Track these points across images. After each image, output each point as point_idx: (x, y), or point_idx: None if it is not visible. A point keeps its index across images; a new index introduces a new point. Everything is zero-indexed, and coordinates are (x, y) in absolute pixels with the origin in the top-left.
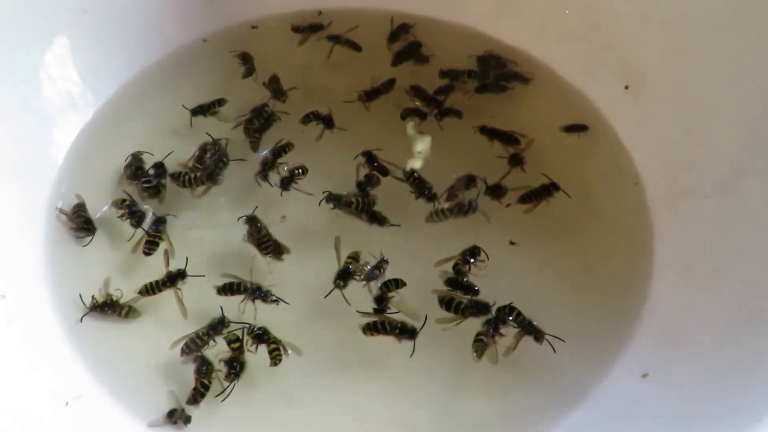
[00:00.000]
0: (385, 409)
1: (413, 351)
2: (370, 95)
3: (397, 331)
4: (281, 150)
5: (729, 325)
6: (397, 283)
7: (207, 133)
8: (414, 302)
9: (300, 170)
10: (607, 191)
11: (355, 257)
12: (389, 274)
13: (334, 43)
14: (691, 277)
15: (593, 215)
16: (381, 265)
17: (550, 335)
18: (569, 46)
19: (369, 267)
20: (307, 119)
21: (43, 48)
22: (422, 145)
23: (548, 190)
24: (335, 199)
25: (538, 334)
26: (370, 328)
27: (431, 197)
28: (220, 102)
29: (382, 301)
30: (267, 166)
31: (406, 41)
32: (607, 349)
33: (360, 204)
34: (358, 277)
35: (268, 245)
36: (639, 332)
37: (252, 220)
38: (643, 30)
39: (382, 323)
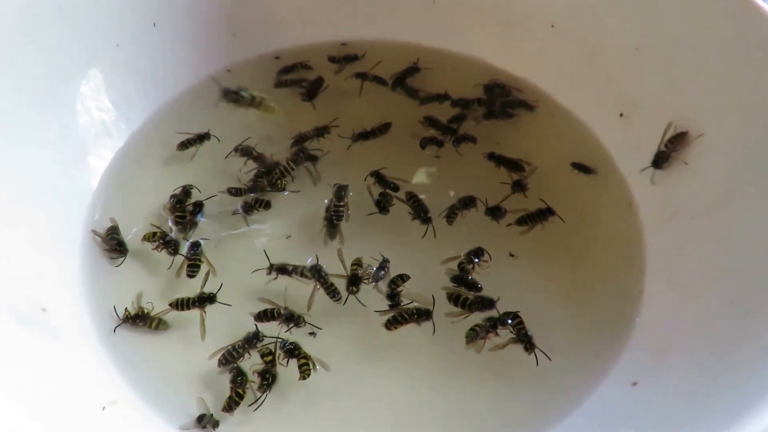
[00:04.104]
0: (401, 412)
1: (434, 329)
2: (363, 136)
3: (415, 316)
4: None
5: (715, 337)
6: (403, 278)
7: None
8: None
9: (260, 203)
10: (603, 212)
11: (358, 263)
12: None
13: (363, 80)
14: (681, 292)
15: (589, 234)
16: (384, 265)
17: (540, 350)
18: (568, 76)
19: (374, 269)
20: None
21: (79, 79)
22: (433, 168)
23: (544, 214)
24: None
25: (529, 346)
26: (392, 323)
27: (426, 220)
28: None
29: (395, 297)
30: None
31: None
32: (600, 360)
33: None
34: (367, 281)
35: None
36: (630, 344)
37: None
38: (637, 61)
39: (400, 315)
